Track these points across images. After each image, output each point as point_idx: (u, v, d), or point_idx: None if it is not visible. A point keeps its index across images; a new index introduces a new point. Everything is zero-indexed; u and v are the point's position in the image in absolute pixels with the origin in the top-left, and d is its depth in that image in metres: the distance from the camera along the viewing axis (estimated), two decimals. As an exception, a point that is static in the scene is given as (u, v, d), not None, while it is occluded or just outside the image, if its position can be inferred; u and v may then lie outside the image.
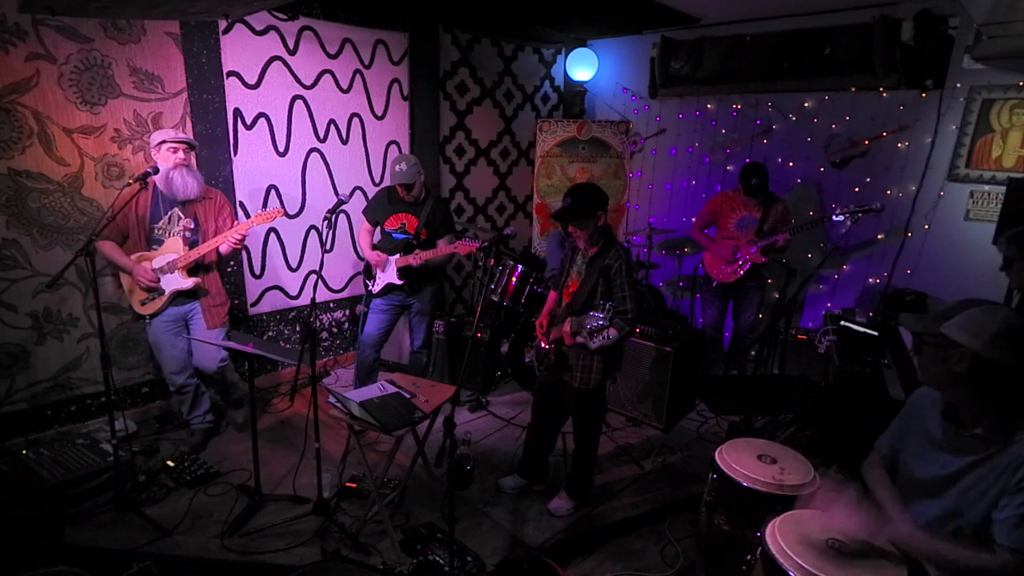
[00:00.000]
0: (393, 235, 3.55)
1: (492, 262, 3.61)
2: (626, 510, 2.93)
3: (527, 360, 4.15)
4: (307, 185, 4.16)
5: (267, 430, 3.55)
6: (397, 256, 3.49)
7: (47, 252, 3.12)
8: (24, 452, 2.85)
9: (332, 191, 4.28)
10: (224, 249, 3.02)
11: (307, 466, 2.89)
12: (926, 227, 3.93)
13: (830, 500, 1.64)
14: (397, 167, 3.39)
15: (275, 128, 3.91)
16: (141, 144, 3.32)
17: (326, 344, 4.57)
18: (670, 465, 3.36)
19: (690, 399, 4.01)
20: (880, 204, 3.41)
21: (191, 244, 3.05)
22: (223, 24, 3.53)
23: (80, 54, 3.06)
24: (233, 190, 3.77)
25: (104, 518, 2.66)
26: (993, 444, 1.49)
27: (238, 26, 3.60)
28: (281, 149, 3.97)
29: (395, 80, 4.45)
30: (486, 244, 3.12)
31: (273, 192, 3.99)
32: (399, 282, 3.51)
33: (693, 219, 4.29)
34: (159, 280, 3.01)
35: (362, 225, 3.71)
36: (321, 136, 4.15)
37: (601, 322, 2.33)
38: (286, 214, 3.92)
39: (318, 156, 4.17)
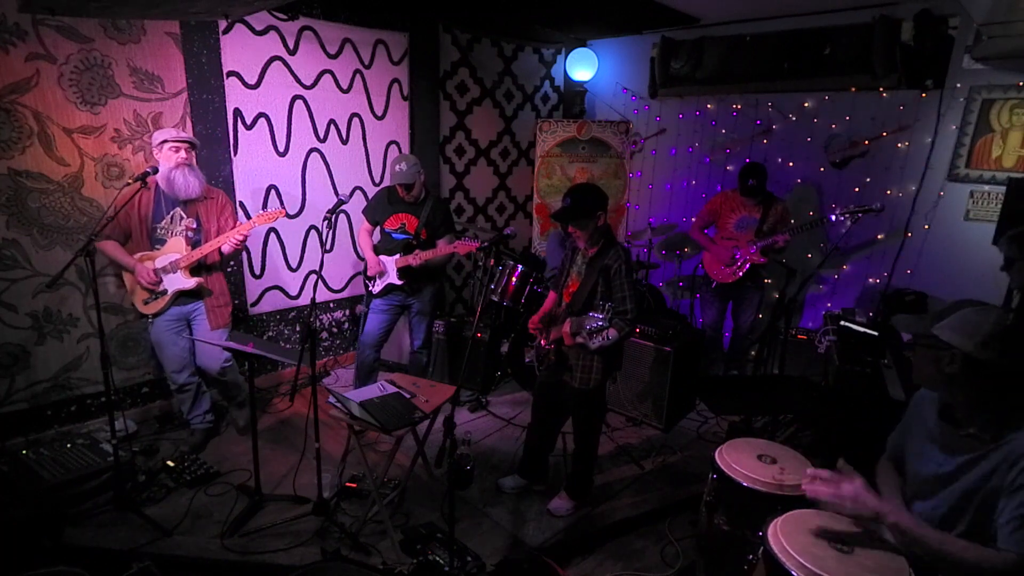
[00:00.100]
0: (393, 235, 3.54)
1: (492, 262, 3.61)
2: (626, 510, 2.93)
3: (527, 360, 4.16)
4: (307, 185, 4.16)
5: (267, 430, 3.55)
6: (397, 256, 3.49)
7: (47, 252, 3.12)
8: (24, 452, 2.85)
9: (332, 191, 4.28)
10: (226, 249, 3.02)
11: (307, 466, 2.89)
12: (926, 227, 3.93)
13: (838, 479, 1.64)
14: (397, 167, 3.39)
15: (275, 128, 3.91)
16: (141, 144, 3.32)
17: (326, 344, 4.57)
18: (670, 465, 3.36)
19: (690, 399, 4.01)
20: (880, 204, 3.41)
21: (193, 244, 3.05)
22: (223, 24, 3.53)
23: (80, 54, 3.06)
24: (233, 190, 3.77)
25: (104, 518, 2.66)
26: (986, 443, 1.50)
27: (238, 26, 3.60)
28: (281, 149, 3.97)
29: (395, 80, 4.45)
30: (486, 244, 3.12)
31: (273, 192, 3.99)
32: (399, 282, 3.51)
33: (693, 219, 4.30)
34: (160, 280, 3.02)
35: (362, 225, 3.71)
36: (321, 136, 4.15)
37: (601, 323, 2.33)
38: (287, 214, 3.92)
39: (318, 156, 4.17)
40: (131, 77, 3.24)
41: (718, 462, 2.18)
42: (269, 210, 3.08)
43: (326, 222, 2.80)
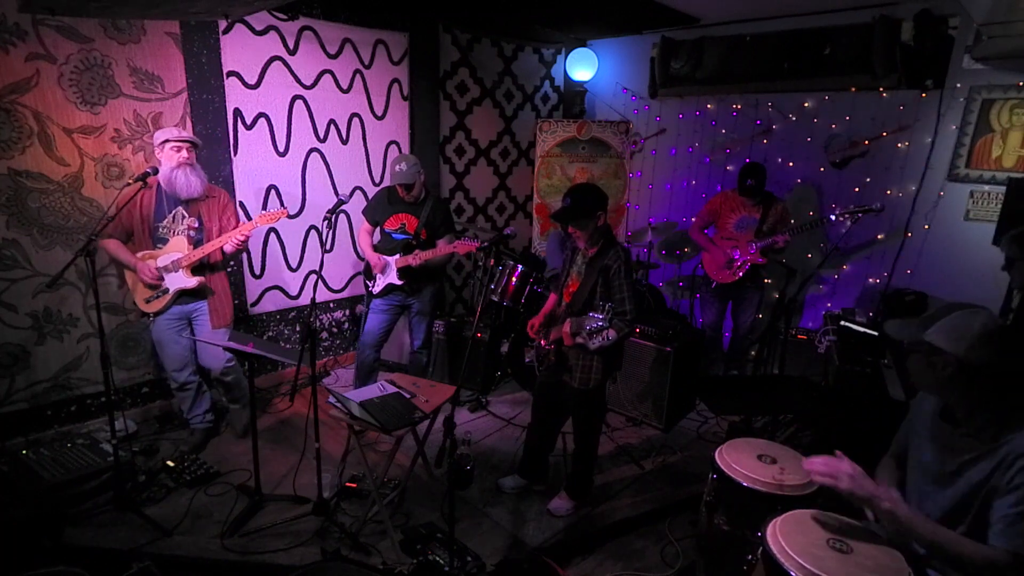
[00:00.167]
0: (393, 235, 3.54)
1: (492, 262, 3.60)
2: (626, 510, 2.93)
3: (527, 360, 4.15)
4: (307, 185, 4.16)
5: (267, 430, 3.55)
6: (397, 256, 3.49)
7: (47, 252, 3.12)
8: (24, 452, 2.85)
9: (332, 191, 4.28)
10: (228, 249, 3.03)
11: (307, 466, 2.89)
12: (926, 227, 3.93)
13: (839, 458, 1.64)
14: (397, 167, 3.39)
15: (275, 128, 3.91)
16: (141, 144, 3.32)
17: (326, 344, 4.57)
18: (670, 465, 3.36)
19: (690, 399, 4.01)
20: (880, 204, 3.41)
21: (195, 243, 3.05)
22: (223, 24, 3.53)
23: (80, 54, 3.06)
24: (233, 190, 3.77)
25: (104, 518, 2.66)
26: (986, 443, 1.51)
27: (238, 26, 3.60)
28: (281, 149, 3.97)
29: (395, 80, 4.45)
30: (486, 244, 3.12)
31: (273, 192, 3.99)
32: (399, 282, 3.51)
33: (693, 219, 4.30)
34: (163, 279, 3.02)
35: (362, 225, 3.71)
36: (321, 136, 4.15)
37: (600, 323, 2.33)
38: (288, 215, 3.92)
39: (318, 156, 4.17)
40: (131, 77, 3.24)
41: (718, 462, 2.18)
42: (271, 210, 3.09)
43: (326, 222, 2.80)
